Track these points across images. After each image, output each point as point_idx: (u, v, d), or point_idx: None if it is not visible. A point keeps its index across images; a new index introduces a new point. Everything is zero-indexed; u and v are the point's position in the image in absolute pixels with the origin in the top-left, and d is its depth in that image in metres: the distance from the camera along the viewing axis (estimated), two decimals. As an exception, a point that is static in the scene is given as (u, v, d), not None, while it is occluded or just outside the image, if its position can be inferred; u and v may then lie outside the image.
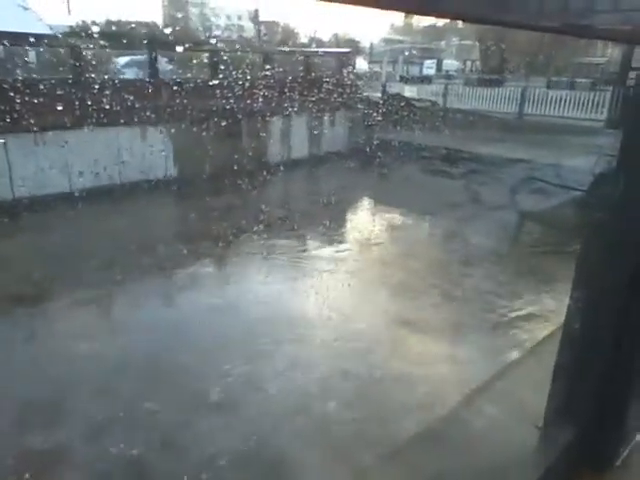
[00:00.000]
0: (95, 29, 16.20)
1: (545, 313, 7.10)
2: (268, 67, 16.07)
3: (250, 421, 5.03)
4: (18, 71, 11.57)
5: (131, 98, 11.82)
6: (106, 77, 12.77)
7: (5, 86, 10.30)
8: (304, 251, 9.66)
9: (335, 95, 16.59)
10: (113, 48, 14.64)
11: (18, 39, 11.63)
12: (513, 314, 7.34)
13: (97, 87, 11.58)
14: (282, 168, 14.37)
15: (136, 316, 7.36)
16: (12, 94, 10.13)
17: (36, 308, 7.29)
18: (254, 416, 5.09)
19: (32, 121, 10.28)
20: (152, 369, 5.79)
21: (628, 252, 1.75)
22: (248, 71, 15.12)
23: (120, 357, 6.02)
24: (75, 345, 6.19)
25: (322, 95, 15.85)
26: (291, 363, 5.98)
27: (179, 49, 15.17)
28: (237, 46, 22.63)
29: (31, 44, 12.13)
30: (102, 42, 13.51)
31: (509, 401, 2.35)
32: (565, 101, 21.05)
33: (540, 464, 1.80)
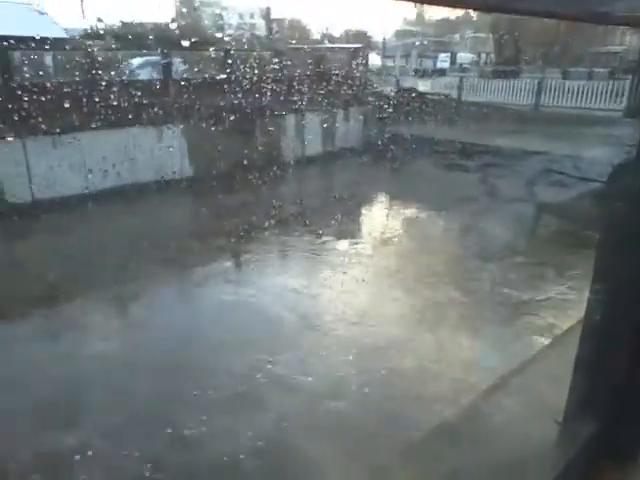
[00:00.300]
0: (106, 30, 16.32)
1: (563, 306, 7.02)
2: (281, 64, 16.07)
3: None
4: (35, 75, 11.74)
5: (145, 99, 11.92)
6: (120, 78, 12.91)
7: (23, 90, 10.46)
8: (321, 246, 9.67)
9: (348, 91, 16.55)
10: (126, 49, 14.77)
11: (34, 43, 11.78)
12: (531, 307, 7.28)
13: (111, 89, 11.70)
14: (296, 165, 14.38)
15: (162, 312, 7.43)
16: (30, 97, 10.28)
17: (59, 307, 7.42)
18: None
19: (50, 124, 10.44)
20: (175, 367, 5.84)
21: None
22: (260, 69, 15.14)
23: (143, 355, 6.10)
24: (97, 345, 6.29)
25: (335, 91, 15.81)
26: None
27: (187, 44, 15.20)
28: (249, 44, 22.67)
29: (47, 48, 12.30)
30: (115, 44, 13.64)
31: (529, 395, 2.33)
32: (582, 91, 20.70)
33: (560, 459, 1.78)
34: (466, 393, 4.72)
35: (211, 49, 16.68)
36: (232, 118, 12.88)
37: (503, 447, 2.04)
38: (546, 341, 5.56)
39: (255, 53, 17.78)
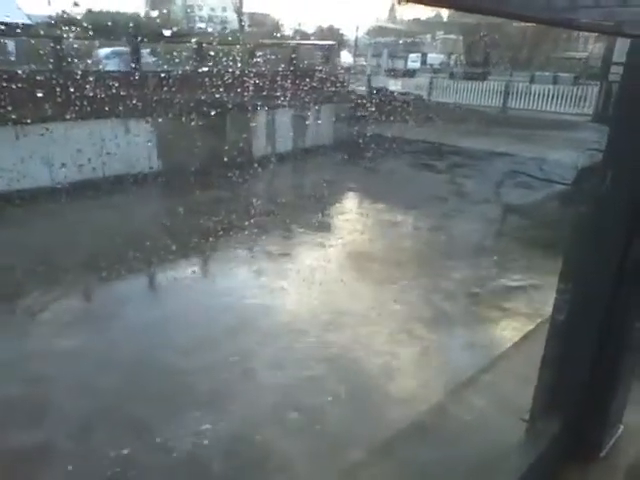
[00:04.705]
0: (72, 18, 15.83)
1: (526, 305, 7.18)
2: (252, 59, 15.94)
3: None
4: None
5: (112, 90, 11.64)
6: (86, 68, 12.58)
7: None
8: (291, 245, 9.64)
9: (320, 88, 16.52)
10: (93, 39, 14.40)
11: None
12: (495, 305, 7.44)
13: (77, 78, 11.37)
14: (267, 162, 14.26)
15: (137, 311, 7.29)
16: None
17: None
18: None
19: (13, 113, 10.09)
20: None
21: (613, 245, 1.77)
22: (231, 63, 14.97)
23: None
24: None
25: (307, 88, 15.76)
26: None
27: (155, 35, 14.89)
28: (220, 38, 22.41)
29: (10, 34, 11.87)
30: (82, 33, 13.26)
31: (496, 394, 2.37)
32: (548, 95, 21.24)
33: (526, 456, 1.81)
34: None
35: (180, 41, 16.43)
36: (201, 112, 12.67)
37: (471, 445, 2.07)
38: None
39: (225, 47, 17.55)
